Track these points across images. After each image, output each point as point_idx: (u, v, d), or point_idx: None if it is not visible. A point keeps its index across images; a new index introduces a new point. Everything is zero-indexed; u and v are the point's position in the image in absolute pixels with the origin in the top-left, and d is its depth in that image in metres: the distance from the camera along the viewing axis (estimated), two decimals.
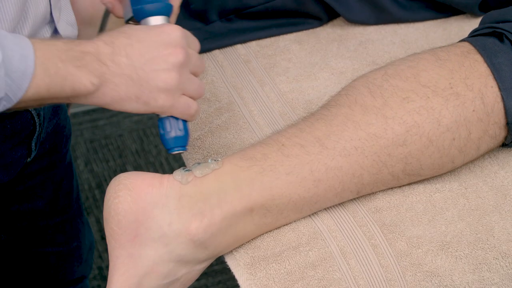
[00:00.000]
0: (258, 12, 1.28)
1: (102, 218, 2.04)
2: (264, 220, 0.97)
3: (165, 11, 0.98)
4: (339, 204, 1.02)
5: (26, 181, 1.18)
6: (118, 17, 1.04)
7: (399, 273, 0.95)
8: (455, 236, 0.98)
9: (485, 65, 1.03)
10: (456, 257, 0.97)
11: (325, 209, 1.01)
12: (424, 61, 1.03)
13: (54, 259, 1.30)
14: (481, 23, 1.11)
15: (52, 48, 0.85)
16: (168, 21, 0.98)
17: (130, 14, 1.00)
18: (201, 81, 0.94)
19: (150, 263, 0.94)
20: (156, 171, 2.24)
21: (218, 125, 1.14)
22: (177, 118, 0.95)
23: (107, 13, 1.16)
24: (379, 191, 1.03)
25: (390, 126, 0.99)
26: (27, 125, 1.07)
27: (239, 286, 0.96)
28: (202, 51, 1.23)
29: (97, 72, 0.87)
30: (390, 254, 0.97)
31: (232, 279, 1.25)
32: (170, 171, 2.23)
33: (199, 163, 0.96)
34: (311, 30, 1.30)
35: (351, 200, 1.02)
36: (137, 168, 2.25)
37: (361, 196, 1.03)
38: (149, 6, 0.97)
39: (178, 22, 1.02)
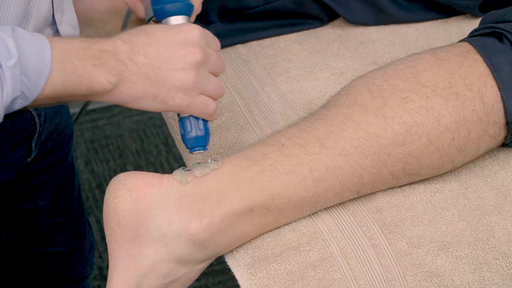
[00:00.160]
0: (258, 13, 1.28)
1: (102, 218, 2.04)
2: (264, 220, 0.97)
3: (186, 11, 0.98)
4: (339, 204, 1.02)
5: (27, 181, 1.18)
6: (139, 17, 1.04)
7: (399, 273, 0.95)
8: (455, 236, 0.98)
9: (484, 65, 1.03)
10: (457, 257, 0.97)
11: (325, 209, 1.01)
12: (423, 61, 1.03)
13: (55, 259, 1.30)
14: (480, 23, 1.11)
15: (70, 46, 0.85)
16: (189, 21, 0.98)
17: (151, 14, 1.00)
18: (220, 81, 0.94)
19: (150, 263, 0.94)
20: (156, 171, 2.25)
21: (218, 125, 1.14)
22: (197, 118, 0.95)
23: (129, 13, 1.17)
24: (379, 191, 1.03)
25: (389, 126, 0.99)
26: (27, 125, 1.07)
27: (239, 286, 0.96)
28: None
29: (114, 71, 0.87)
30: (391, 254, 0.97)
31: (233, 279, 1.25)
32: (170, 171, 2.23)
33: (198, 163, 0.96)
34: (311, 30, 1.30)
35: (351, 200, 1.02)
36: (137, 168, 2.25)
37: (361, 196, 1.03)
38: (169, 6, 0.97)
39: None
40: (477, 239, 0.98)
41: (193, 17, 1.01)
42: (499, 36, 1.06)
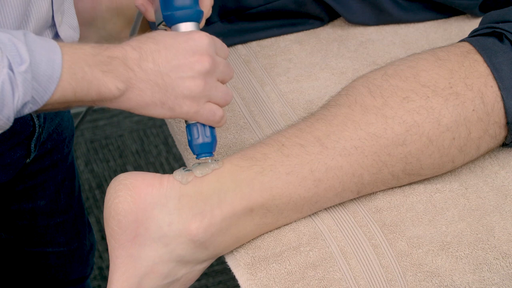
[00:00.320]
0: (259, 13, 1.28)
1: (102, 218, 2.04)
2: (264, 220, 0.97)
3: (195, 18, 0.98)
4: (339, 204, 1.02)
5: (27, 181, 1.18)
6: (150, 20, 1.05)
7: (399, 273, 0.95)
8: (455, 236, 0.98)
9: (484, 65, 1.03)
10: (457, 257, 0.97)
11: (325, 209, 1.01)
12: (423, 61, 1.03)
13: (55, 259, 1.30)
14: (481, 23, 1.11)
15: (80, 52, 0.86)
16: (198, 27, 0.99)
17: (161, 19, 1.00)
18: (228, 88, 0.95)
19: (150, 263, 0.94)
20: (156, 171, 2.25)
21: None
22: (204, 125, 0.96)
23: (139, 16, 1.17)
24: (379, 191, 1.03)
25: (390, 126, 0.99)
26: (27, 126, 1.07)
27: (239, 287, 0.96)
28: None
29: (123, 77, 0.88)
30: (391, 254, 0.97)
31: (233, 279, 1.25)
32: (170, 171, 2.23)
33: (199, 163, 0.96)
34: (311, 31, 1.30)
35: (352, 200, 1.02)
36: (138, 168, 2.25)
37: (362, 196, 1.03)
38: (179, 13, 0.97)
39: None
40: (477, 239, 0.98)
41: (203, 22, 1.01)
42: (499, 36, 1.06)
